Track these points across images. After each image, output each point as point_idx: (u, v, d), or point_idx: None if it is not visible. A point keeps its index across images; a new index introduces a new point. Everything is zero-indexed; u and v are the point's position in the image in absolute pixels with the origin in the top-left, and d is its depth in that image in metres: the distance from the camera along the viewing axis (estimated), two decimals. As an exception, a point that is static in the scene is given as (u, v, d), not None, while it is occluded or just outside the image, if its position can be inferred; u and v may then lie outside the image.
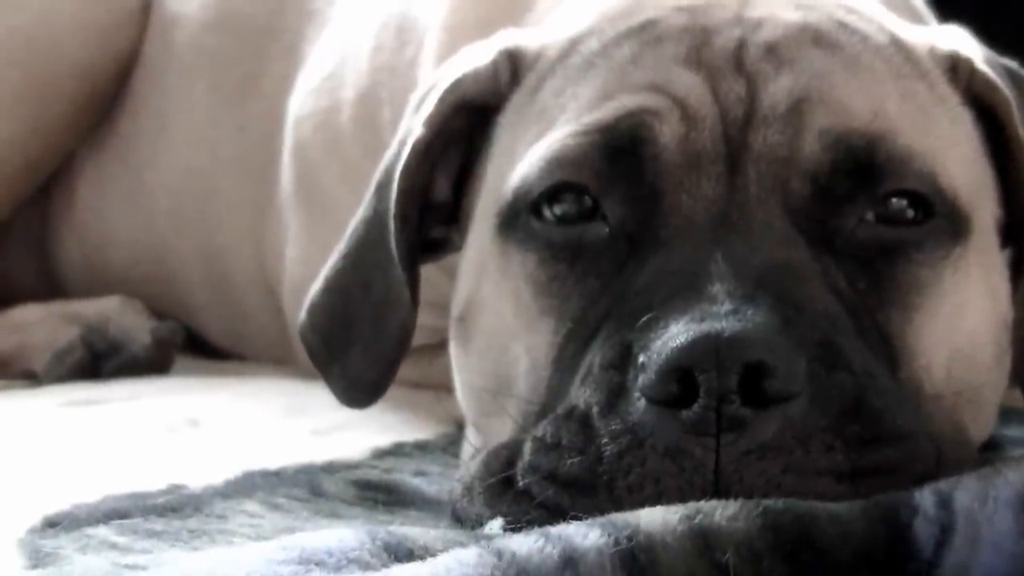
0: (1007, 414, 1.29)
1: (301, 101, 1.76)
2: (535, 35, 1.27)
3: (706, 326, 0.98)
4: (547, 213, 1.14)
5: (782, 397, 0.98)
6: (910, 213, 1.12)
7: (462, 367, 1.22)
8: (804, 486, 0.97)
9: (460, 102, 1.24)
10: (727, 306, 1.01)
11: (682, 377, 0.98)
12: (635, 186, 1.11)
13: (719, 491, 0.97)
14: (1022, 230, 1.24)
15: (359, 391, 1.24)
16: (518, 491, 1.05)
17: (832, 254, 1.10)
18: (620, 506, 0.97)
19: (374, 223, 1.25)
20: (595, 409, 1.02)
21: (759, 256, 1.06)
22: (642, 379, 0.99)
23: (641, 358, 1.00)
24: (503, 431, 1.14)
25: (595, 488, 1.00)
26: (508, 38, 1.27)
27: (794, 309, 1.03)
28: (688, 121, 1.12)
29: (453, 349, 1.24)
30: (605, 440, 1.01)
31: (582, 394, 1.04)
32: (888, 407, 1.03)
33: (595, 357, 1.05)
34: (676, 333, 0.99)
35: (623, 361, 1.02)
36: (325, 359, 1.26)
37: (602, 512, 0.95)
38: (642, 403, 0.99)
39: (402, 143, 1.25)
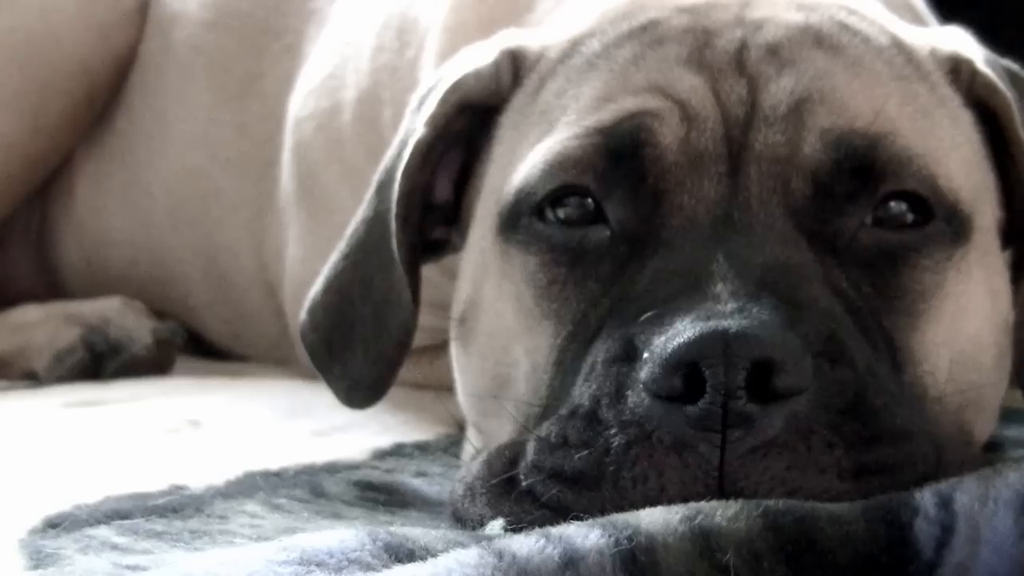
0: (1008, 415, 1.29)
1: (302, 101, 1.76)
2: (536, 35, 1.27)
3: (713, 323, 0.98)
4: (549, 215, 1.14)
5: (789, 393, 0.98)
6: (910, 217, 1.12)
7: (462, 368, 1.22)
8: (807, 483, 0.98)
9: (462, 102, 1.24)
10: (732, 304, 1.01)
11: (687, 372, 0.98)
12: (637, 187, 1.11)
13: (723, 486, 0.97)
14: (1022, 231, 1.23)
15: (360, 391, 1.24)
16: (521, 491, 1.05)
17: (834, 256, 1.10)
18: (624, 500, 0.98)
19: (375, 223, 1.25)
20: (603, 401, 1.02)
21: (761, 256, 1.06)
22: (646, 373, 0.99)
23: (645, 353, 1.00)
24: (503, 432, 1.14)
25: (600, 481, 1.00)
26: (509, 38, 1.27)
27: (797, 308, 1.03)
28: (689, 122, 1.12)
29: (453, 350, 1.23)
30: (613, 431, 1.01)
31: (586, 391, 1.04)
32: (888, 406, 1.03)
33: (597, 355, 1.05)
34: (682, 329, 0.99)
35: (626, 356, 1.02)
36: (325, 359, 1.26)
37: (605, 507, 0.95)
38: (646, 397, 0.99)
39: (403, 143, 1.25)
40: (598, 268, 1.11)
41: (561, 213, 1.14)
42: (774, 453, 0.98)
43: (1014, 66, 1.27)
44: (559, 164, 1.13)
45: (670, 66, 1.16)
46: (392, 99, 1.59)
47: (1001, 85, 1.21)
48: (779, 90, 1.13)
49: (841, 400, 1.01)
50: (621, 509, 0.95)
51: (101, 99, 2.02)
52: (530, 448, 1.06)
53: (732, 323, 0.98)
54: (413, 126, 1.25)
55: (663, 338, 0.99)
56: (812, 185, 1.10)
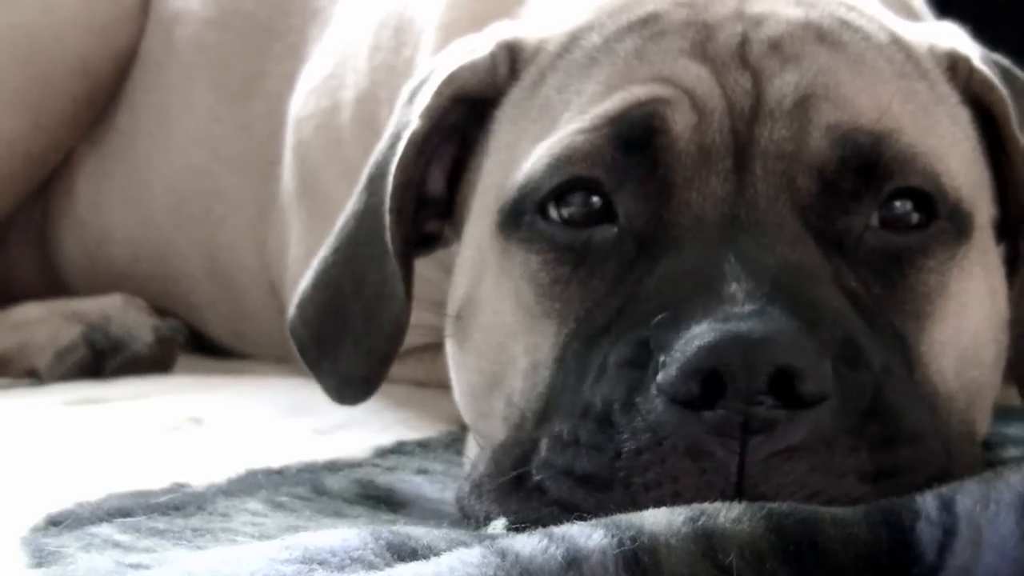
0: (1007, 413, 1.29)
1: (302, 101, 1.76)
2: (533, 28, 1.26)
3: (732, 327, 0.98)
4: (553, 214, 1.13)
5: (814, 400, 0.97)
6: (914, 217, 1.12)
7: (458, 366, 1.22)
8: (828, 486, 0.98)
9: (457, 94, 1.23)
10: (749, 307, 1.00)
11: (705, 377, 0.97)
12: (647, 179, 1.10)
13: (742, 492, 0.97)
14: (1016, 227, 1.24)
15: (350, 387, 1.24)
16: (530, 488, 1.04)
17: (842, 256, 1.10)
18: (636, 504, 0.97)
19: (366, 217, 1.24)
20: (615, 406, 1.01)
21: (772, 256, 1.06)
22: (663, 377, 0.99)
23: (662, 357, 0.99)
24: (498, 430, 1.13)
25: (611, 484, 1.00)
26: (505, 30, 1.26)
27: (812, 309, 1.03)
28: (699, 111, 1.12)
29: (449, 347, 1.23)
30: (625, 436, 1.00)
31: (599, 391, 1.03)
32: (905, 406, 1.03)
33: (609, 356, 1.04)
34: (701, 333, 0.98)
35: (640, 359, 1.02)
36: (315, 355, 1.25)
37: (618, 509, 0.95)
38: (662, 402, 0.99)
39: (396, 136, 1.24)
40: (604, 267, 1.11)
41: (565, 212, 1.13)
42: (796, 457, 0.97)
43: (1006, 62, 1.28)
44: (567, 158, 1.12)
45: (674, 58, 1.15)
46: (389, 98, 1.59)
47: (997, 82, 1.22)
48: (783, 84, 1.13)
49: (861, 403, 1.00)
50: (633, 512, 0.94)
51: (102, 97, 2.02)
52: (543, 445, 1.05)
53: (752, 327, 0.97)
54: (406, 118, 1.24)
55: (681, 342, 0.98)
56: (818, 182, 1.10)
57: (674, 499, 0.97)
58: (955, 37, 1.26)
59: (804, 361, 0.97)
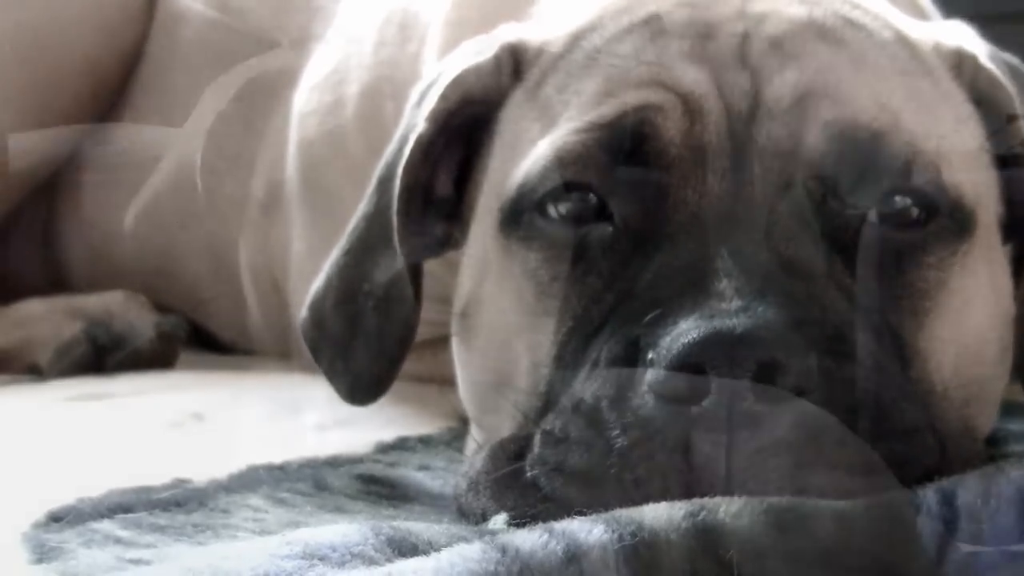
0: (1011, 409, 1.29)
1: (306, 97, 1.76)
2: (536, 30, 1.27)
3: (717, 323, 0.98)
4: (551, 212, 1.13)
5: (796, 394, 0.98)
6: (914, 212, 1.12)
7: (463, 364, 1.22)
8: (816, 481, 0.97)
9: (463, 97, 1.24)
10: (737, 303, 1.01)
11: (691, 374, 0.97)
12: (640, 183, 1.11)
13: (730, 486, 0.97)
14: (1022, 226, 1.23)
15: (362, 388, 1.24)
16: (525, 483, 1.05)
17: (839, 252, 1.10)
18: (628, 500, 0.97)
19: (376, 219, 1.25)
20: (604, 403, 1.02)
21: (765, 252, 1.06)
22: (651, 375, 0.99)
23: (650, 354, 1.00)
24: (503, 427, 1.13)
25: (603, 481, 1.00)
26: (510, 32, 1.27)
27: (802, 305, 1.03)
28: (692, 116, 1.12)
29: (455, 345, 1.23)
30: (615, 434, 1.00)
31: (589, 388, 1.04)
32: (895, 402, 1.03)
33: (601, 352, 1.05)
34: (687, 330, 0.99)
35: (631, 356, 1.02)
36: (327, 356, 1.26)
37: (609, 506, 0.95)
38: (650, 399, 0.99)
39: (404, 139, 1.25)
40: (600, 264, 1.11)
41: (563, 209, 1.13)
42: (783, 452, 0.97)
43: (1014, 60, 1.27)
44: (560, 160, 1.13)
45: (672, 60, 1.15)
46: (394, 94, 1.59)
47: (1004, 81, 1.21)
48: (783, 83, 1.13)
49: (849, 398, 1.00)
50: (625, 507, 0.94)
51: (108, 95, 2.03)
52: (536, 440, 1.06)
53: (737, 323, 0.98)
54: (414, 121, 1.25)
55: (668, 339, 0.99)
56: (816, 179, 1.10)
57: (664, 495, 0.97)
58: (962, 35, 1.26)
59: (787, 356, 0.97)
